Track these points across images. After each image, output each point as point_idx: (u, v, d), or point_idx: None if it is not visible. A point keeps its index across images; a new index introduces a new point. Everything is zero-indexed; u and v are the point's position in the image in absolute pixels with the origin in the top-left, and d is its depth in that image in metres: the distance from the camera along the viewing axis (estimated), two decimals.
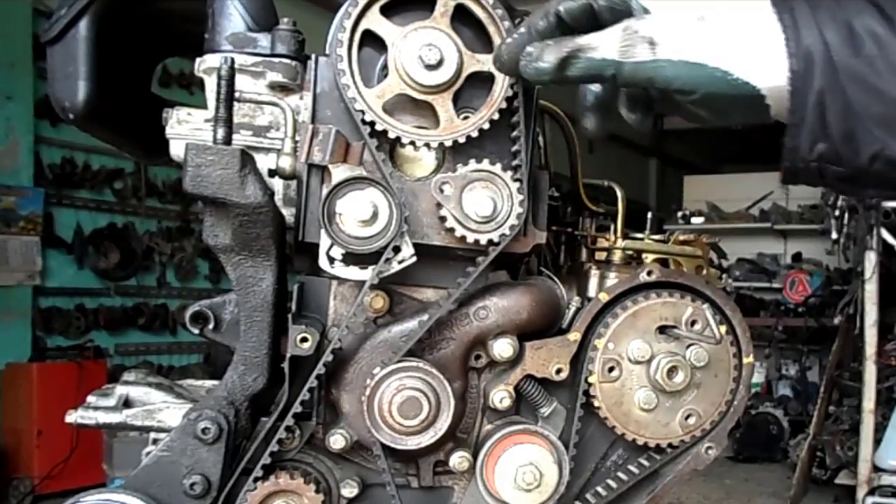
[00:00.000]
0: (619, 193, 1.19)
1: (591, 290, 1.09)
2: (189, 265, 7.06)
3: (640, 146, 12.54)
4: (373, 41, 0.97)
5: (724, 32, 0.73)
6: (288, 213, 1.01)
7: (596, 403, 1.05)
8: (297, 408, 0.97)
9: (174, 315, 6.83)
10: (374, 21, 0.96)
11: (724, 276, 1.20)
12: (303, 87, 1.00)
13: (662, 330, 1.05)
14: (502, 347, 1.02)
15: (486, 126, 0.97)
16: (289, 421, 0.97)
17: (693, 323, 1.05)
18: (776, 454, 7.20)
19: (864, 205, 5.25)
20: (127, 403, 1.04)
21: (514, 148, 1.00)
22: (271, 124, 1.01)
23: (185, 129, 1.02)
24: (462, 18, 0.97)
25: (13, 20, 5.55)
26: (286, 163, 0.96)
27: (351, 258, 0.95)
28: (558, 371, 1.04)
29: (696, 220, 8.55)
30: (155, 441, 1.05)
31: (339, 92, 0.96)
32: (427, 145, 0.97)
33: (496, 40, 0.98)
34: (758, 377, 7.67)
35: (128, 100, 1.18)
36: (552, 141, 1.20)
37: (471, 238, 0.97)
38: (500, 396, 1.04)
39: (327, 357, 0.96)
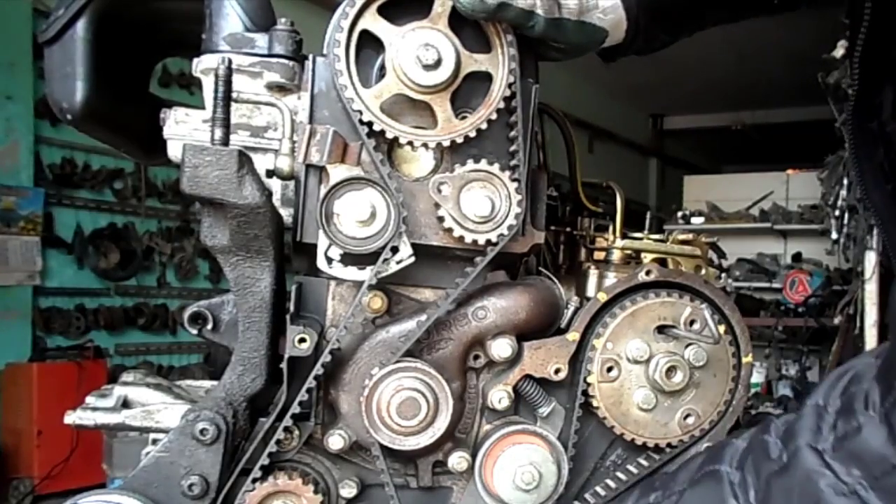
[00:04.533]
0: (617, 193, 1.19)
1: (590, 289, 1.09)
2: (189, 265, 7.06)
3: (640, 146, 12.54)
4: (370, 41, 0.97)
5: None
6: (286, 214, 1.01)
7: (595, 403, 1.05)
8: (295, 408, 0.97)
9: (174, 315, 6.83)
10: (372, 21, 0.96)
11: (723, 275, 1.20)
12: (300, 88, 1.00)
13: (661, 330, 1.05)
14: (501, 347, 1.02)
15: (484, 126, 0.97)
16: (287, 421, 0.97)
17: (692, 322, 1.05)
18: None
19: (864, 205, 5.25)
20: (126, 404, 1.04)
21: (513, 148, 1.00)
22: (269, 125, 1.01)
23: (183, 129, 1.01)
24: (460, 18, 0.97)
25: (13, 20, 5.55)
26: (284, 163, 0.96)
27: (349, 258, 0.95)
28: (557, 371, 1.04)
29: (696, 220, 8.55)
30: (154, 442, 1.05)
31: (336, 92, 0.96)
32: (425, 145, 0.97)
33: (494, 40, 0.98)
34: (758, 377, 7.66)
35: (126, 100, 1.17)
36: (551, 141, 1.19)
37: (469, 238, 0.97)
38: (499, 396, 1.03)
39: (325, 357, 0.96)
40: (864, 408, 0.62)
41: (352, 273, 0.95)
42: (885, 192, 1.03)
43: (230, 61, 0.91)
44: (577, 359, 1.06)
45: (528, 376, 1.05)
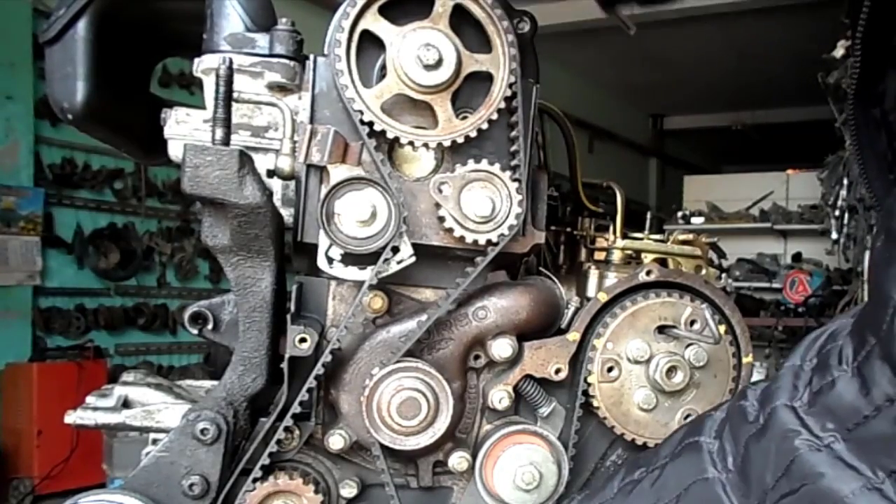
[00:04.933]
0: (617, 193, 1.19)
1: (591, 289, 1.09)
2: (189, 265, 7.06)
3: (640, 146, 12.54)
4: (371, 41, 0.97)
5: None
6: (286, 214, 1.01)
7: (595, 403, 1.05)
8: (295, 408, 0.97)
9: (174, 315, 6.83)
10: (373, 21, 0.96)
11: (723, 275, 1.20)
12: (301, 88, 1.00)
13: (661, 330, 1.05)
14: (501, 347, 1.02)
15: (485, 126, 0.97)
16: (288, 421, 0.97)
17: (692, 323, 1.05)
18: None
19: (864, 205, 5.26)
20: (126, 404, 1.04)
21: (513, 148, 1.00)
22: (270, 125, 1.01)
23: (184, 129, 1.01)
24: (460, 18, 0.97)
25: (13, 20, 5.55)
26: (285, 163, 0.96)
27: (350, 258, 0.95)
28: (557, 371, 1.04)
29: (696, 220, 8.55)
30: (154, 441, 1.05)
31: (337, 92, 0.96)
32: (426, 145, 0.97)
33: (494, 40, 0.98)
34: (758, 377, 7.63)
35: (126, 100, 1.17)
36: (551, 141, 1.20)
37: (469, 238, 0.97)
38: (499, 396, 1.04)
39: (326, 357, 0.96)
40: (837, 363, 0.63)
41: (352, 273, 0.95)
42: (887, 181, 1.02)
43: (231, 61, 0.91)
44: (577, 359, 1.06)
45: (528, 376, 1.05)
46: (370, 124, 0.95)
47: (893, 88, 0.99)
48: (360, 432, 1.00)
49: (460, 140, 0.97)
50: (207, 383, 1.18)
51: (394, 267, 0.95)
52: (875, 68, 0.98)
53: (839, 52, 4.84)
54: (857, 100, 1.00)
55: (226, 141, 0.90)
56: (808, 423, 0.62)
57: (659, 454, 0.75)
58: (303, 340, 0.94)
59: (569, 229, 1.21)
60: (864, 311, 0.63)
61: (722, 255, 1.37)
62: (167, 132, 1.02)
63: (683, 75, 10.11)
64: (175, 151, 1.01)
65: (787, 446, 0.61)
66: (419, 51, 0.93)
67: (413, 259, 0.96)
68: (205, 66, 1.00)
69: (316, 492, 0.98)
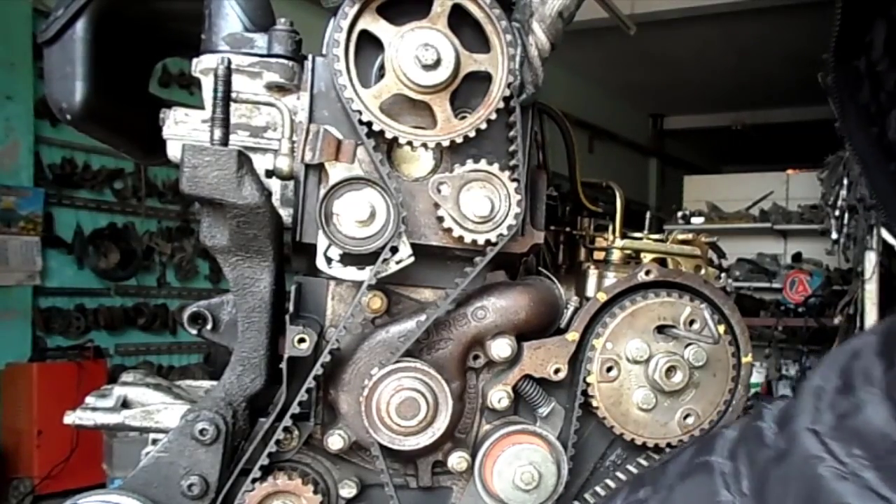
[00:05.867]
0: (617, 193, 1.19)
1: (590, 289, 1.09)
2: (189, 265, 7.06)
3: (640, 146, 12.53)
4: (370, 41, 0.97)
5: None
6: (285, 214, 1.01)
7: (594, 403, 1.05)
8: (295, 408, 0.97)
9: (174, 315, 6.83)
10: (371, 21, 0.96)
11: (723, 275, 1.19)
12: (300, 88, 1.00)
13: (661, 330, 1.05)
14: (500, 347, 1.02)
15: (484, 126, 0.97)
16: (287, 421, 0.97)
17: (691, 322, 1.05)
18: None
19: (864, 205, 5.26)
20: (125, 404, 1.04)
21: (512, 148, 1.00)
22: (268, 125, 1.01)
23: (183, 129, 1.01)
24: (459, 18, 0.97)
25: (13, 20, 5.55)
26: (283, 163, 0.96)
27: (348, 258, 0.95)
28: (557, 371, 1.04)
29: (696, 220, 8.55)
30: (154, 442, 1.05)
31: (336, 92, 0.96)
32: (424, 145, 0.97)
33: (493, 40, 0.98)
34: (758, 377, 7.65)
35: (125, 100, 1.17)
36: (551, 141, 1.19)
37: (468, 238, 0.97)
38: (499, 396, 1.03)
39: (325, 357, 0.96)
40: (864, 384, 0.59)
41: (351, 273, 0.95)
42: (869, 135, 0.99)
43: (229, 61, 0.91)
44: (576, 359, 1.05)
45: (527, 376, 1.05)
46: (369, 124, 0.95)
47: (882, 38, 0.95)
48: (359, 432, 1.00)
49: (459, 140, 0.97)
50: (207, 383, 1.18)
51: (393, 267, 0.95)
52: (860, 18, 0.95)
53: None
54: (839, 51, 0.96)
55: (224, 141, 0.90)
56: (833, 448, 0.58)
57: (666, 472, 0.73)
58: (302, 341, 0.94)
59: (568, 229, 1.21)
60: (891, 331, 0.60)
61: (722, 255, 1.37)
62: (166, 132, 1.02)
63: (683, 75, 10.11)
64: (174, 151, 1.01)
65: (809, 473, 0.58)
66: (418, 51, 0.93)
67: (412, 259, 0.96)
68: (203, 66, 1.00)
69: (315, 492, 0.98)
